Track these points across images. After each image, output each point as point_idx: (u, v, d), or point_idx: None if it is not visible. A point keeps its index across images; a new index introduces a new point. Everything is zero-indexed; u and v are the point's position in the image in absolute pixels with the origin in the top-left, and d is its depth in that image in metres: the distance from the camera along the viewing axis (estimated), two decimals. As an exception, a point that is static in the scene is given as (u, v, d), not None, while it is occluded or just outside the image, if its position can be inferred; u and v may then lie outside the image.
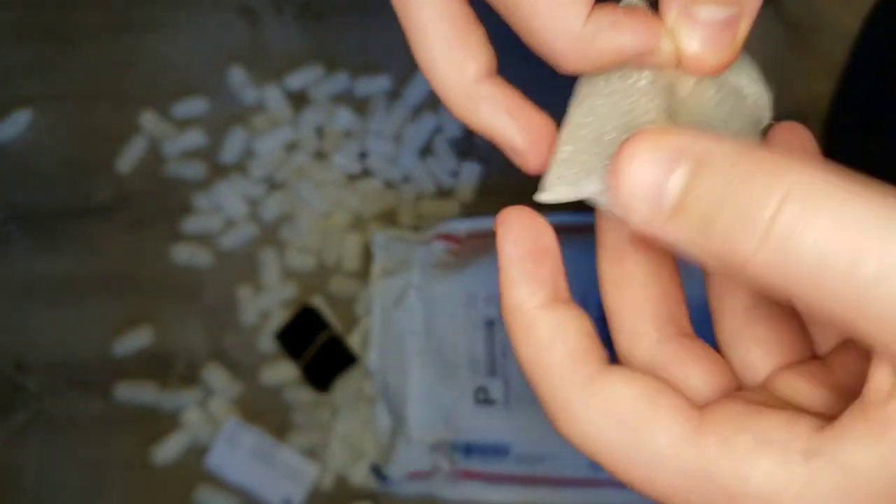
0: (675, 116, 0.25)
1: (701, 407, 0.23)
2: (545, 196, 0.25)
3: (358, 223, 0.85)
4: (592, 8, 0.24)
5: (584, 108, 0.25)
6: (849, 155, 0.70)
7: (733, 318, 0.26)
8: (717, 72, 0.24)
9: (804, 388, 0.25)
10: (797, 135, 0.27)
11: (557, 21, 0.23)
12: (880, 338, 0.19)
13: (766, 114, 0.26)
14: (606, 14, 0.24)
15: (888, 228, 0.18)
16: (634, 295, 0.26)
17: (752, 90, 0.26)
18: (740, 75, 0.26)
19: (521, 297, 0.24)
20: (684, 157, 0.20)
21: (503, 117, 0.26)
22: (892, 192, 0.19)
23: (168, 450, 0.80)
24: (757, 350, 0.26)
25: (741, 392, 0.25)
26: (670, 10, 0.24)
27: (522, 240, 0.24)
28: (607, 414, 0.23)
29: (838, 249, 0.18)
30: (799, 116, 0.97)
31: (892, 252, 0.18)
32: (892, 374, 0.20)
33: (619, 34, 0.24)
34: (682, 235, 0.20)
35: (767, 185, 0.19)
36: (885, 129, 0.61)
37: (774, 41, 0.86)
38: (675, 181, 0.20)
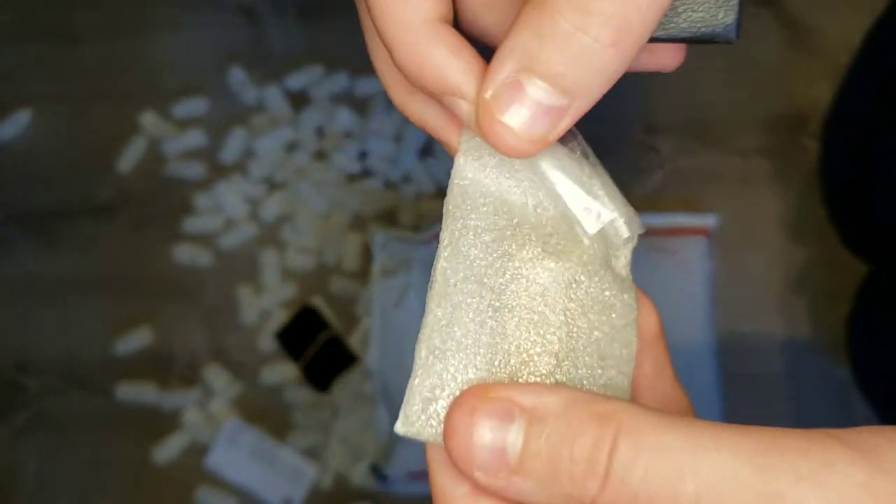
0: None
1: None
2: (401, 429, 0.24)
3: (358, 223, 0.85)
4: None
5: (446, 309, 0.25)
6: (848, 156, 0.70)
7: None
8: (513, 154, 0.23)
9: None
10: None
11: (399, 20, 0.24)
12: None
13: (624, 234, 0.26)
14: (445, 40, 0.23)
15: (698, 451, 0.21)
16: None
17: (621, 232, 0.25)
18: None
19: (446, 486, 0.24)
20: (516, 413, 0.22)
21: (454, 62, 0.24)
22: (700, 422, 0.21)
23: (168, 450, 0.80)
24: None
25: None
26: (503, 68, 0.22)
27: (456, 440, 0.24)
28: None
29: (663, 474, 0.21)
30: (799, 117, 0.97)
31: (703, 471, 0.20)
32: None
33: (442, 62, 0.24)
34: (529, 486, 0.22)
35: (599, 431, 0.21)
36: (886, 132, 0.61)
37: (774, 42, 0.86)
38: (514, 439, 0.22)
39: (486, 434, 0.22)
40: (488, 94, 0.23)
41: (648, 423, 0.21)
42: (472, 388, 0.23)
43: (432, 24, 0.23)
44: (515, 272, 0.24)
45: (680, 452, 0.21)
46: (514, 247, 0.25)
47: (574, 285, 0.25)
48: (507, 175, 0.25)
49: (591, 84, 0.22)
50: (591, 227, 0.25)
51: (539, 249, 0.25)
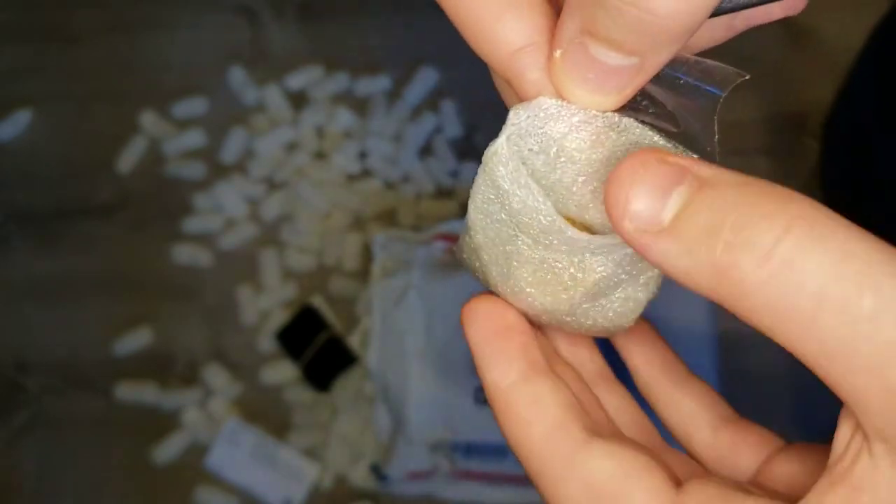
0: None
1: (680, 484, 0.23)
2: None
3: (358, 223, 0.85)
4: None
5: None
6: (848, 156, 0.70)
7: (673, 398, 0.29)
8: (591, 107, 0.23)
9: (783, 469, 0.26)
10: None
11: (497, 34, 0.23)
12: (857, 382, 0.19)
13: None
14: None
15: (887, 266, 0.19)
16: None
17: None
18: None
19: (496, 377, 0.24)
20: (689, 174, 0.20)
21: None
22: (885, 243, 0.19)
23: (168, 450, 0.80)
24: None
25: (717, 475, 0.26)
26: (567, 26, 0.22)
27: (486, 322, 0.25)
28: (587, 490, 0.23)
29: (837, 281, 0.19)
30: (799, 117, 0.98)
31: (886, 288, 0.18)
32: (851, 431, 0.20)
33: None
34: (676, 248, 0.20)
35: (772, 212, 0.19)
36: (886, 132, 0.61)
37: (774, 42, 0.86)
38: (679, 194, 0.20)
39: (647, 189, 0.20)
40: (557, 53, 0.22)
41: (832, 221, 0.19)
42: (646, 149, 0.21)
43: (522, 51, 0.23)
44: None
45: (862, 263, 0.19)
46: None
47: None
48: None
49: (658, 46, 0.21)
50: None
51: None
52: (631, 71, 0.22)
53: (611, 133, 0.23)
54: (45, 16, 0.91)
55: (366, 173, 0.86)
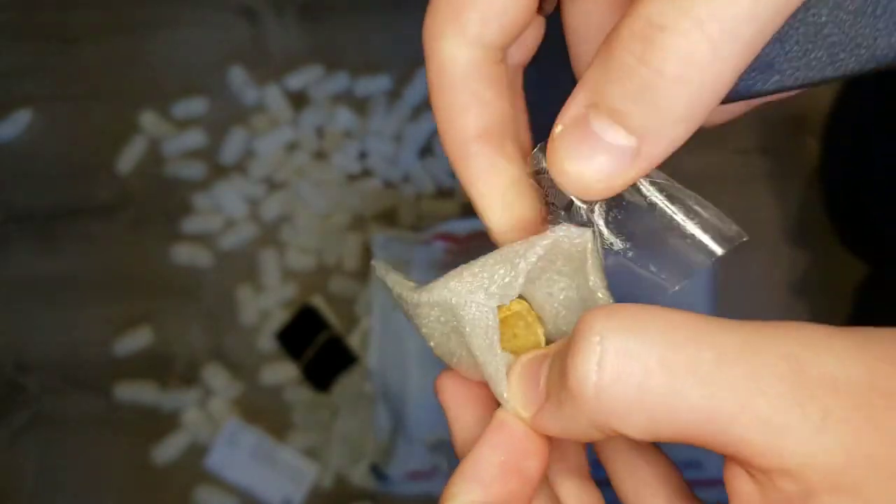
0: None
1: None
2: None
3: (358, 223, 0.85)
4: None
5: None
6: (848, 156, 0.70)
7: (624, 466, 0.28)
8: (578, 193, 0.22)
9: None
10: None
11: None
12: (735, 432, 0.20)
13: None
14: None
15: (705, 326, 0.20)
16: None
17: (604, 298, 0.25)
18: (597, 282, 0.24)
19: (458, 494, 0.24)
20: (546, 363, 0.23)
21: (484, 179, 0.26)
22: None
23: (168, 450, 0.80)
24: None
25: None
26: (575, 101, 0.21)
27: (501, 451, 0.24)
28: None
29: (673, 350, 0.20)
30: (799, 117, 0.97)
31: (722, 339, 0.20)
32: (746, 477, 0.20)
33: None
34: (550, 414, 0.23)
35: (586, 333, 0.21)
36: (885, 133, 0.61)
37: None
38: (543, 376, 0.23)
39: (525, 385, 0.24)
40: (558, 128, 0.22)
41: (644, 315, 0.21)
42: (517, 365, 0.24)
43: (472, 142, 0.25)
44: None
45: (680, 333, 0.20)
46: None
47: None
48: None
49: (661, 126, 0.20)
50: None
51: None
52: (628, 155, 0.21)
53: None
54: (45, 16, 0.91)
55: (366, 173, 0.86)
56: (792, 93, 0.22)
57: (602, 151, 0.21)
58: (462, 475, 0.24)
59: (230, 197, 0.85)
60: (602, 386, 0.20)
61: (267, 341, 0.83)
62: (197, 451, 0.81)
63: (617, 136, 0.21)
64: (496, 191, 0.25)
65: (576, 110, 0.21)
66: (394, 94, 0.87)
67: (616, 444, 0.28)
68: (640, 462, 0.27)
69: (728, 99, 0.21)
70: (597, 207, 0.23)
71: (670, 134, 0.20)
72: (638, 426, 0.20)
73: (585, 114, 0.21)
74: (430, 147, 0.86)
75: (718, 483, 0.24)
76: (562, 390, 0.21)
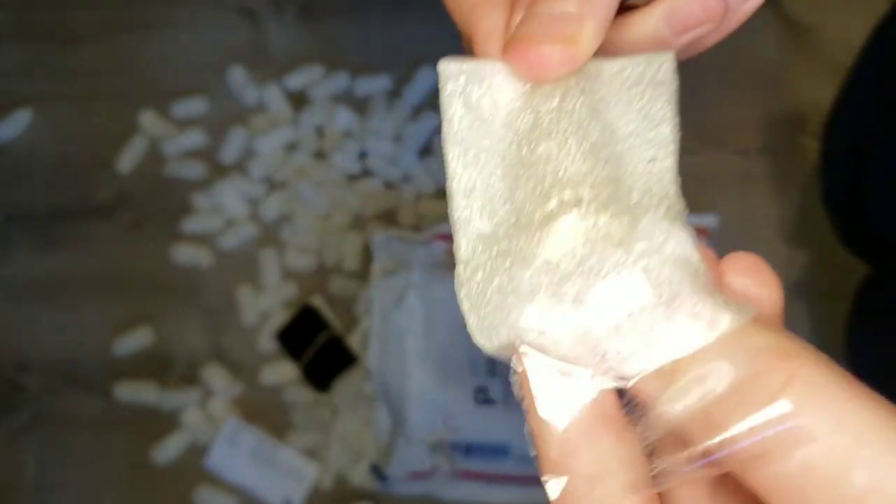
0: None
1: None
2: (483, 343, 0.23)
3: (358, 223, 0.85)
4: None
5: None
6: (848, 156, 0.70)
7: None
8: (543, 66, 0.23)
9: None
10: (756, 272, 0.24)
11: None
12: None
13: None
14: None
15: (883, 434, 0.17)
16: None
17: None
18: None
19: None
20: None
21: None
22: (889, 404, 0.18)
23: (168, 450, 0.80)
24: None
25: None
26: (518, 8, 0.24)
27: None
28: None
29: (830, 451, 0.18)
30: (799, 117, 0.97)
31: (884, 464, 0.17)
32: None
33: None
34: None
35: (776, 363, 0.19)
36: (885, 133, 0.61)
37: (774, 42, 0.86)
38: None
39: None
40: (516, 20, 0.24)
41: (832, 379, 0.18)
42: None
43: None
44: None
45: (856, 432, 0.18)
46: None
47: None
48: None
49: None
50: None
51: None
52: (575, 16, 0.23)
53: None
54: (45, 16, 0.91)
55: (366, 173, 0.86)
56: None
57: (559, 20, 0.23)
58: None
59: (230, 197, 0.85)
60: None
61: (267, 341, 0.83)
62: (197, 451, 0.81)
63: (563, 6, 0.23)
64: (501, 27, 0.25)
65: (520, 14, 0.24)
66: (394, 94, 0.87)
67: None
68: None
69: None
70: None
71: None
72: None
73: (530, 10, 0.23)
74: (430, 147, 0.86)
75: None
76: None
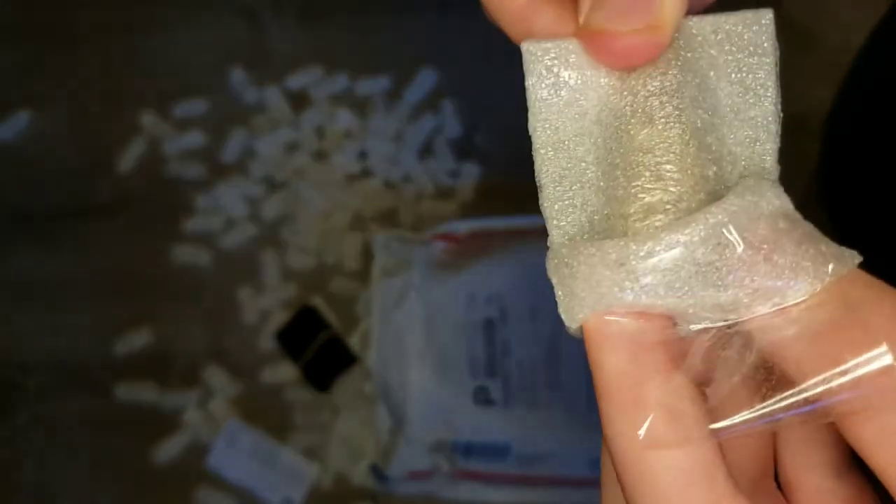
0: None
1: None
2: (573, 325, 0.21)
3: (358, 223, 0.85)
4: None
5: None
6: (849, 157, 0.70)
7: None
8: (628, 57, 0.22)
9: None
10: None
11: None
12: None
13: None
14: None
15: None
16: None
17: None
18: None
19: (625, 375, 0.20)
20: None
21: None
22: None
23: (168, 450, 0.80)
24: None
25: None
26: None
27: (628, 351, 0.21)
28: None
29: None
30: (799, 117, 0.98)
31: None
32: None
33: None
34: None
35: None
36: (886, 133, 0.61)
37: (774, 41, 0.86)
38: None
39: None
40: (581, 18, 0.22)
41: None
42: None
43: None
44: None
45: None
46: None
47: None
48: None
49: None
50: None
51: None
52: None
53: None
54: (45, 16, 0.91)
55: (366, 173, 0.86)
56: None
57: (632, 5, 0.21)
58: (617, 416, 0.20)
59: (230, 197, 0.85)
60: None
61: (267, 341, 0.83)
62: (197, 451, 0.81)
63: None
64: None
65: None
66: (394, 94, 0.87)
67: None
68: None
69: None
70: None
71: None
72: None
73: None
74: (430, 147, 0.86)
75: None
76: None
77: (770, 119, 0.23)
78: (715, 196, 0.22)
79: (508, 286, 0.78)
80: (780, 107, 0.23)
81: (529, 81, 0.23)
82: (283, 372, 0.82)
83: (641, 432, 0.19)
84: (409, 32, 0.89)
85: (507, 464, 0.77)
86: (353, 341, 0.82)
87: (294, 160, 0.86)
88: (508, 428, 0.76)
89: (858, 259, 0.21)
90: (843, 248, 0.21)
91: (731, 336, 0.21)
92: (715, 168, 0.23)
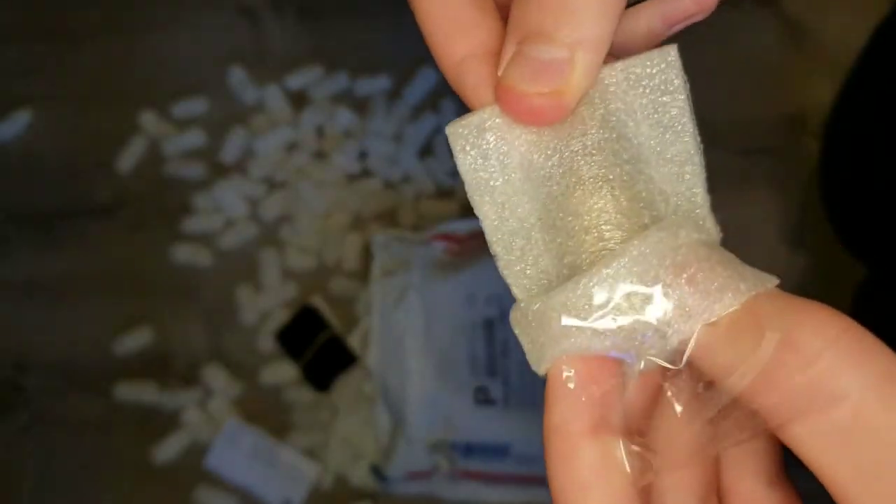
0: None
1: None
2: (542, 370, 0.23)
3: (358, 223, 0.85)
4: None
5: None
6: (849, 156, 0.70)
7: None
8: (536, 118, 0.23)
9: None
10: None
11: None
12: None
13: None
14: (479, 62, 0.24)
15: None
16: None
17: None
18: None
19: (566, 418, 0.22)
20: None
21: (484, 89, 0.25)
22: None
23: (168, 450, 0.80)
24: None
25: None
26: (508, 45, 0.23)
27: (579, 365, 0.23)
28: None
29: (878, 401, 0.19)
30: (799, 117, 0.97)
31: None
32: None
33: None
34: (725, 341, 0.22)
35: (823, 320, 0.20)
36: (886, 133, 0.61)
37: (774, 42, 0.86)
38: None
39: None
40: (501, 69, 0.23)
41: (876, 342, 0.20)
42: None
43: (465, 61, 0.25)
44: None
45: None
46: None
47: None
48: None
49: (580, 24, 0.22)
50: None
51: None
52: (565, 62, 0.23)
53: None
54: (45, 16, 0.91)
55: (366, 173, 0.86)
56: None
57: (544, 67, 0.23)
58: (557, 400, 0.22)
59: (230, 197, 0.85)
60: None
61: (267, 341, 0.83)
62: (197, 451, 0.81)
63: (551, 52, 0.22)
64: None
65: (510, 49, 0.23)
66: (394, 94, 0.87)
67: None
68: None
69: None
70: None
71: (592, 29, 0.22)
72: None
73: (519, 49, 0.23)
74: (430, 147, 0.86)
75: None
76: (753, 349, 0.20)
77: (692, 152, 0.24)
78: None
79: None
80: (699, 139, 0.24)
81: (458, 159, 0.24)
82: (283, 372, 0.82)
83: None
84: (409, 32, 0.89)
85: (507, 464, 0.77)
86: (353, 341, 0.82)
87: (294, 160, 0.86)
88: (508, 428, 0.76)
89: (776, 281, 0.23)
90: (762, 272, 0.23)
91: (673, 362, 0.22)
92: (649, 212, 0.24)
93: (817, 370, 0.19)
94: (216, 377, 0.82)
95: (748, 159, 0.84)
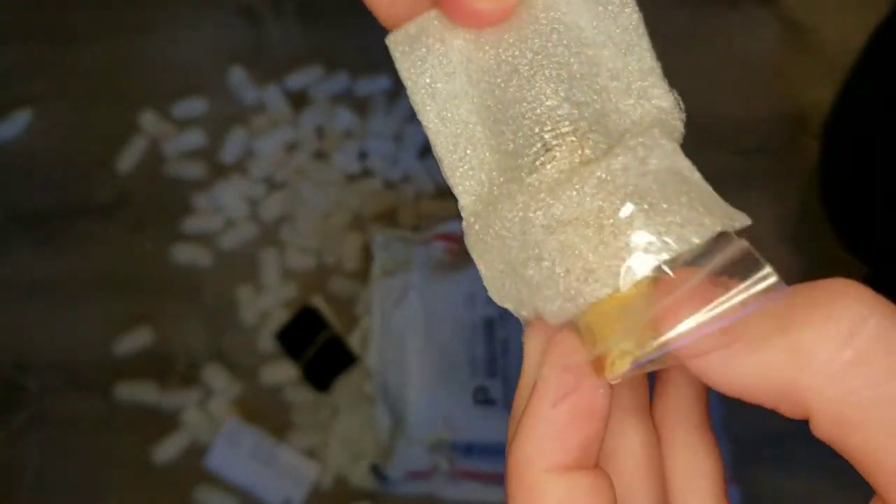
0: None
1: None
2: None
3: (358, 223, 0.85)
4: None
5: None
6: (848, 156, 0.70)
7: None
8: (477, 18, 0.23)
9: None
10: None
11: None
12: None
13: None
14: None
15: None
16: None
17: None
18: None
19: (531, 454, 0.20)
20: None
21: None
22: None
23: (168, 450, 0.80)
24: None
25: None
26: None
27: (566, 392, 0.21)
28: None
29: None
30: (799, 117, 0.97)
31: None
32: None
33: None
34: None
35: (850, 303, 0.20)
36: (886, 133, 0.61)
37: (774, 42, 0.86)
38: None
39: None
40: None
41: None
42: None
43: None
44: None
45: None
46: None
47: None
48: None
49: None
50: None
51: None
52: None
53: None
54: (45, 16, 0.91)
55: (366, 173, 0.86)
56: None
57: None
58: (526, 429, 0.20)
59: (230, 197, 0.85)
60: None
61: (267, 341, 0.83)
62: (197, 451, 0.81)
63: None
64: None
65: None
66: (394, 94, 0.87)
67: (688, 423, 0.25)
68: (703, 452, 0.24)
69: None
70: None
71: None
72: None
73: None
74: (430, 147, 0.86)
75: None
76: (780, 336, 0.20)
77: (648, 60, 0.23)
78: (605, 132, 0.22)
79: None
80: (640, 12, 0.23)
81: (398, 63, 0.24)
82: (283, 372, 0.82)
83: None
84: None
85: (507, 464, 0.77)
86: (353, 341, 0.82)
87: (294, 160, 0.86)
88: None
89: (747, 221, 0.22)
90: (734, 210, 0.22)
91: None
92: (599, 97, 0.23)
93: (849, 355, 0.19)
94: (216, 377, 0.82)
95: (748, 159, 0.85)
